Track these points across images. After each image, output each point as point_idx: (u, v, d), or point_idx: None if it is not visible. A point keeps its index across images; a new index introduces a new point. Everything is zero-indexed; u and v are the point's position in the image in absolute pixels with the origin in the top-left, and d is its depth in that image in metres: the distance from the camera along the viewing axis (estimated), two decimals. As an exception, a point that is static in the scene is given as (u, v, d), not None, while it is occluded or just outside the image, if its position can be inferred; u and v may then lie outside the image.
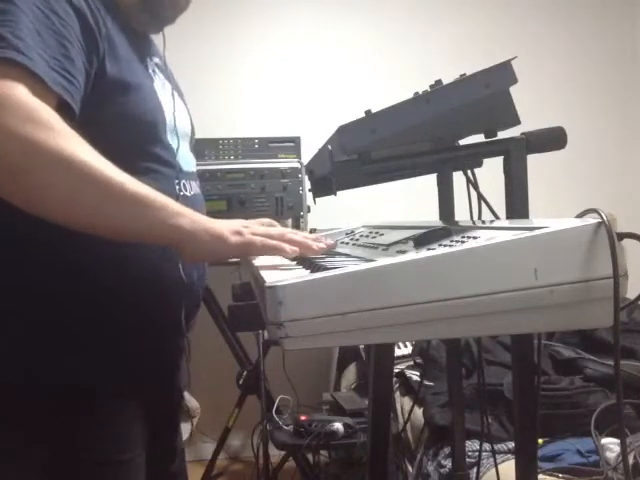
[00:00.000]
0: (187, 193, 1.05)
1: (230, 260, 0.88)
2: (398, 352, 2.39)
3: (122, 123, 0.93)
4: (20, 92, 0.76)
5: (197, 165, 1.17)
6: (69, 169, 0.76)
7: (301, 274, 0.73)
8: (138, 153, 0.96)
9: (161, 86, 1.05)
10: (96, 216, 0.80)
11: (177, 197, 1.00)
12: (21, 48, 0.77)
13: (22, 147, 0.74)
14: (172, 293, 1.00)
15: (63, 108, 0.82)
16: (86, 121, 0.85)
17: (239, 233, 0.85)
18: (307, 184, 1.22)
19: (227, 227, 0.85)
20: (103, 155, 0.80)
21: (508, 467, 1.19)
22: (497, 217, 1.05)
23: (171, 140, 1.03)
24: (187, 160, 1.10)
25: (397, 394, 2.21)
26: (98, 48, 0.89)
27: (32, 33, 0.79)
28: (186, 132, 1.12)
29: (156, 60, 1.09)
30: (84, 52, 0.86)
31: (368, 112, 0.91)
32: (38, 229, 0.85)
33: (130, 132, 0.94)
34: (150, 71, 1.04)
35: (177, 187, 1.03)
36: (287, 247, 0.86)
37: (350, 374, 2.70)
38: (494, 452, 1.31)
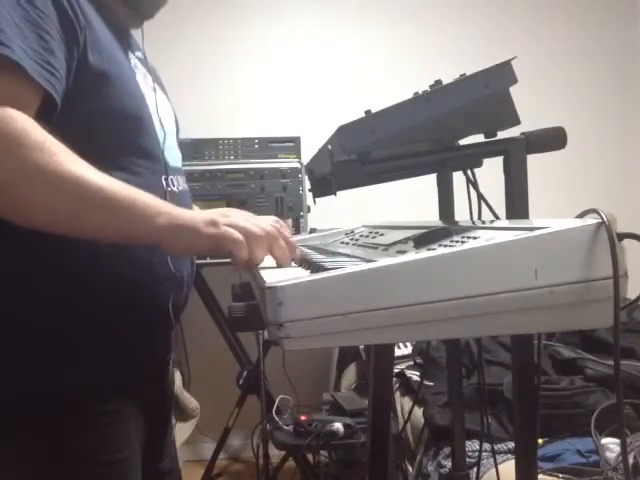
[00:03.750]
0: (174, 189, 1.05)
1: (230, 260, 0.87)
2: (398, 352, 2.39)
3: (106, 115, 0.92)
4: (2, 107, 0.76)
5: (197, 165, 1.18)
6: (45, 181, 0.77)
7: (301, 274, 0.73)
8: (123, 147, 0.95)
9: (143, 79, 1.04)
10: (76, 224, 0.81)
11: (164, 192, 1.00)
12: (2, 39, 0.77)
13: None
14: (161, 288, 1.00)
15: (45, 100, 0.81)
16: (69, 114, 0.84)
17: (214, 224, 0.82)
18: (307, 184, 1.22)
19: (202, 218, 0.83)
20: (87, 151, 0.80)
21: (508, 467, 1.19)
22: (497, 217, 1.05)
23: (157, 134, 1.02)
24: (173, 155, 1.09)
25: (397, 394, 2.21)
26: (78, 40, 0.87)
27: (11, 25, 0.79)
28: (171, 127, 1.10)
29: (138, 54, 1.09)
30: (64, 44, 0.85)
31: (368, 112, 0.91)
32: (21, 232, 0.84)
33: (114, 125, 0.93)
34: (132, 64, 1.03)
35: (164, 182, 1.02)
36: (259, 256, 0.82)
37: (350, 374, 2.70)
38: (494, 452, 1.31)
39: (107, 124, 0.92)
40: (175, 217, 0.82)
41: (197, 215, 0.84)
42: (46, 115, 0.82)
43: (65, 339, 0.91)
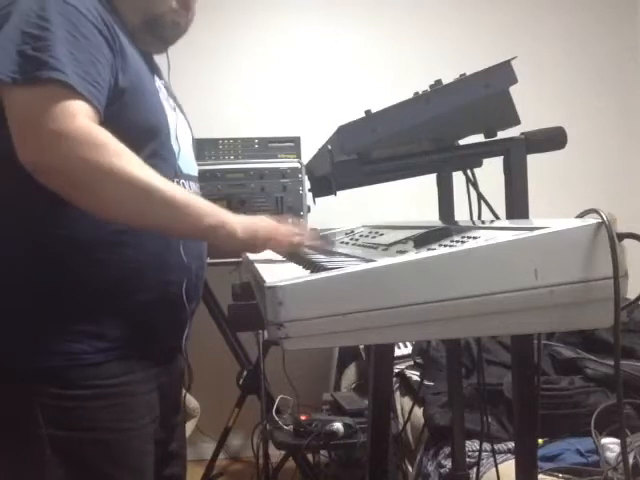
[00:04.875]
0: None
1: (230, 260, 0.91)
2: (398, 352, 2.39)
3: (127, 122, 1.02)
4: (80, 117, 0.91)
5: (197, 165, 1.24)
6: (121, 183, 0.92)
7: (301, 274, 0.73)
8: (139, 149, 1.01)
9: (165, 99, 1.15)
10: (142, 217, 0.96)
11: None
12: (60, 67, 0.91)
13: (84, 165, 0.90)
14: (174, 277, 1.09)
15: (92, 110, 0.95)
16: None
17: (255, 238, 1.00)
18: (307, 184, 1.22)
19: (242, 227, 0.99)
20: None
21: (508, 467, 1.19)
22: (497, 217, 1.05)
23: (173, 145, 1.12)
24: (188, 165, 1.18)
25: (397, 394, 2.21)
26: (115, 61, 1.01)
27: (67, 54, 0.93)
28: (187, 142, 1.20)
29: (162, 82, 1.19)
30: (108, 65, 0.99)
31: (368, 112, 0.91)
32: (39, 227, 0.99)
33: (134, 130, 1.02)
34: (157, 85, 1.14)
35: (175, 184, 1.10)
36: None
37: (350, 374, 2.70)
38: (494, 452, 1.31)
39: (128, 129, 1.00)
40: (221, 219, 0.98)
41: (239, 222, 0.99)
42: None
43: (73, 314, 1.00)
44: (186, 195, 1.00)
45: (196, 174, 1.25)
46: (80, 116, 0.91)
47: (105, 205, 0.95)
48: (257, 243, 1.01)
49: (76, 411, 0.99)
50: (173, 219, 0.96)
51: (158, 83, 1.16)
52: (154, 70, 1.18)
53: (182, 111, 1.26)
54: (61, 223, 0.99)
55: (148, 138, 1.06)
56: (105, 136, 0.92)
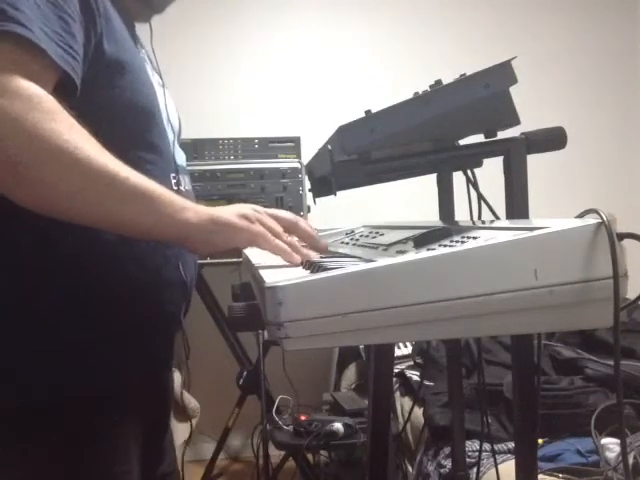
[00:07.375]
0: (182, 188, 1.03)
1: (230, 260, 0.88)
2: (398, 352, 2.40)
3: (118, 107, 0.89)
4: (21, 78, 0.72)
5: (197, 165, 1.19)
6: (75, 164, 0.73)
7: (301, 274, 0.73)
8: (133, 141, 0.91)
9: (151, 74, 1.02)
10: (101, 213, 0.78)
11: (173, 191, 0.97)
12: (21, 20, 0.73)
13: (28, 138, 0.71)
14: (171, 294, 0.98)
15: (64, 84, 0.79)
16: (81, 103, 0.80)
17: (247, 218, 0.86)
18: (307, 184, 1.22)
19: (234, 213, 0.85)
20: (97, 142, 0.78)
21: (508, 467, 1.19)
22: (497, 217, 1.05)
23: (167, 130, 1.01)
24: (180, 155, 1.07)
25: (397, 394, 2.21)
26: (96, 25, 0.84)
27: (31, 7, 0.75)
28: (176, 126, 1.08)
29: (142, 52, 1.06)
30: (83, 28, 0.82)
31: (368, 112, 0.91)
32: (34, 230, 0.84)
33: (126, 117, 0.90)
34: (141, 57, 1.01)
35: (173, 181, 1.00)
36: (296, 257, 0.86)
37: (350, 374, 2.70)
38: (494, 452, 1.31)
39: (119, 116, 0.89)
40: (202, 213, 0.81)
41: (225, 210, 0.85)
42: (65, 99, 0.78)
43: (65, 340, 0.87)
44: (157, 186, 0.80)
45: (185, 165, 1.11)
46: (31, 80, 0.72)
47: (54, 195, 0.74)
48: (257, 232, 0.85)
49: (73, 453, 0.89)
50: (141, 213, 0.78)
51: (142, 54, 1.02)
52: (136, 40, 1.03)
53: (165, 87, 1.09)
54: (44, 237, 0.84)
55: (141, 124, 0.92)
56: (54, 103, 0.73)
